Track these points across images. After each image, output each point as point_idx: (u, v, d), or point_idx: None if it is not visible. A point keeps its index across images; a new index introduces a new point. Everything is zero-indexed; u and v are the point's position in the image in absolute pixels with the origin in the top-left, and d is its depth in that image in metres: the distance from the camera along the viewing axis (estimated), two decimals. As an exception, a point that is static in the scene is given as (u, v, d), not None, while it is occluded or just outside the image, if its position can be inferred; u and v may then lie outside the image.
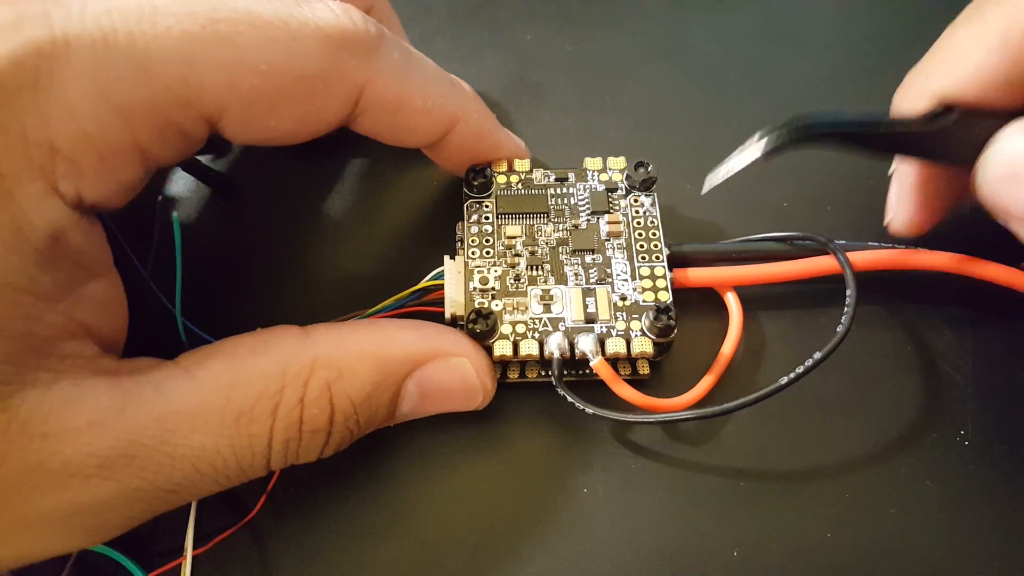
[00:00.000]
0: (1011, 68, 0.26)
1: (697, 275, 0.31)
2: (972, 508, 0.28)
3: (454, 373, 0.26)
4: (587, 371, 0.28)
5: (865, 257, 0.30)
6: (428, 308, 0.30)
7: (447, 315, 0.29)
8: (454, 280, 0.29)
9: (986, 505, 0.28)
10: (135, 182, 0.24)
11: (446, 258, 0.30)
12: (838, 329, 0.28)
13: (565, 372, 0.29)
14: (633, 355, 0.28)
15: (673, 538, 0.28)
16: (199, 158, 0.35)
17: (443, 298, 0.29)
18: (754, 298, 0.31)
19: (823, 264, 0.30)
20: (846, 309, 0.28)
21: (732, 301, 0.31)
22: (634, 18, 0.38)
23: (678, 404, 0.28)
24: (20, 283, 0.21)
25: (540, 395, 0.30)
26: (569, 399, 0.28)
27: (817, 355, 0.27)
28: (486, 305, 0.28)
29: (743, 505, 0.28)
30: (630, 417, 0.28)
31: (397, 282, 0.30)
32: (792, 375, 0.27)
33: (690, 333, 0.30)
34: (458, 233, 0.31)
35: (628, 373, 0.29)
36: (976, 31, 0.27)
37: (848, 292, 0.28)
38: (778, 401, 0.29)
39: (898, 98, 0.29)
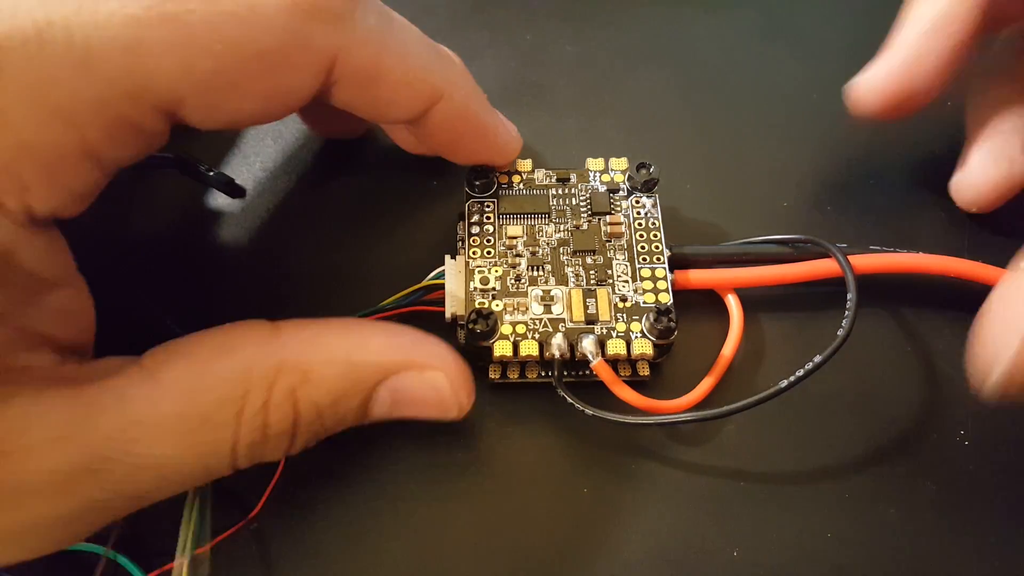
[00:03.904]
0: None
1: (698, 277, 0.31)
2: (972, 508, 0.28)
3: (428, 386, 0.25)
4: (587, 372, 0.28)
5: (866, 261, 0.30)
6: (429, 308, 0.30)
7: (447, 315, 0.29)
8: (455, 279, 0.29)
9: (986, 505, 0.28)
10: (90, 188, 0.22)
11: (447, 257, 0.30)
12: (839, 332, 0.28)
13: (565, 373, 0.29)
14: (633, 356, 0.28)
15: (673, 538, 0.28)
16: (201, 166, 0.35)
17: (443, 297, 0.29)
18: (755, 300, 0.31)
19: (824, 267, 0.30)
20: (847, 313, 0.28)
21: (733, 303, 0.31)
22: (634, 18, 0.38)
23: (678, 406, 0.28)
24: None
25: (540, 395, 0.29)
26: (569, 400, 0.28)
27: (817, 358, 0.27)
28: (486, 305, 0.28)
29: (743, 505, 0.28)
30: (630, 419, 0.28)
31: (398, 281, 0.30)
32: (792, 378, 0.27)
33: (690, 335, 0.30)
34: (459, 232, 0.31)
35: (628, 374, 0.29)
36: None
37: (849, 296, 0.28)
38: (778, 401, 0.29)
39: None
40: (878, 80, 0.30)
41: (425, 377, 0.25)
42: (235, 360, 0.23)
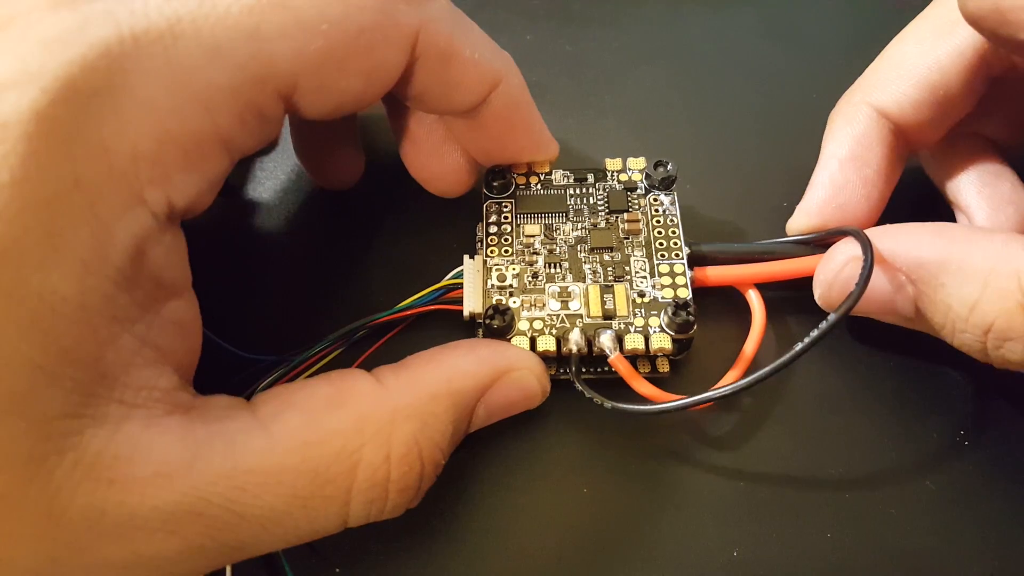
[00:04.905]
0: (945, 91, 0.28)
1: (717, 274, 0.30)
2: (972, 508, 0.28)
3: (517, 387, 0.27)
4: (604, 368, 0.28)
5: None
6: (447, 307, 0.30)
7: (465, 313, 0.29)
8: (473, 279, 0.29)
9: (986, 505, 0.28)
10: (220, 176, 0.23)
11: (466, 257, 0.30)
12: (852, 292, 0.26)
13: (583, 369, 0.29)
14: (652, 352, 0.28)
15: (673, 537, 0.28)
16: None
17: (462, 297, 0.29)
18: (776, 297, 0.31)
19: None
20: (862, 270, 0.26)
21: (754, 298, 0.30)
22: (633, 18, 0.38)
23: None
24: (95, 304, 0.19)
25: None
26: (587, 395, 0.28)
27: (832, 316, 0.26)
28: (503, 301, 0.28)
29: (743, 505, 0.28)
30: (649, 408, 0.27)
31: (418, 281, 0.30)
32: (807, 340, 0.26)
33: (711, 333, 0.30)
34: (478, 234, 0.31)
35: (648, 371, 0.29)
36: (921, 49, 0.29)
37: (864, 259, 0.26)
38: (778, 401, 0.29)
39: (837, 115, 0.31)
40: (810, 219, 0.30)
41: (513, 380, 0.26)
42: (348, 412, 0.23)
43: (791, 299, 0.32)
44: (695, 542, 0.28)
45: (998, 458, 0.29)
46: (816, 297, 0.29)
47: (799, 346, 0.26)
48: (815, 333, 0.26)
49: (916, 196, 0.32)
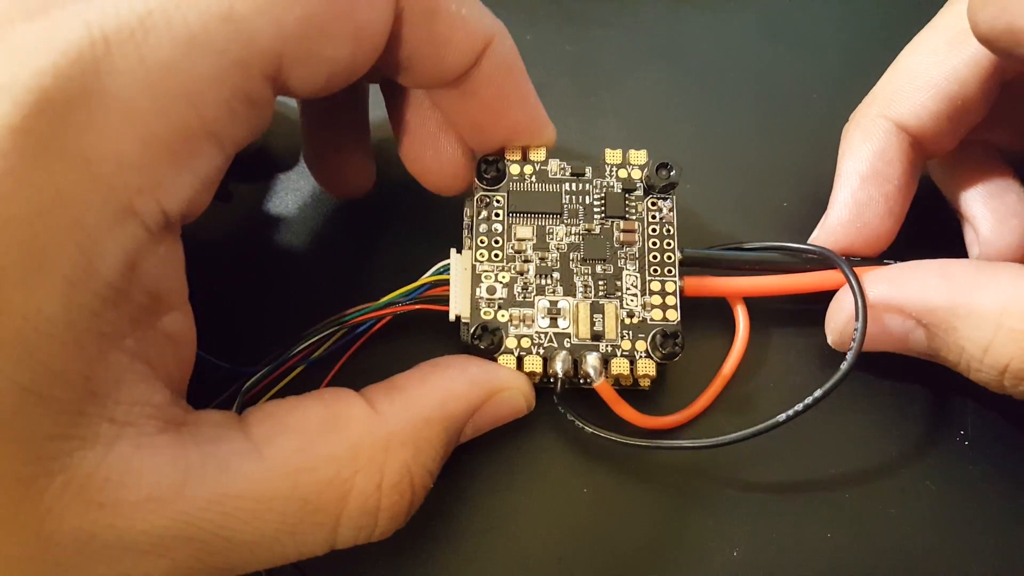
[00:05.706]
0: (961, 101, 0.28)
1: (708, 285, 0.30)
2: (972, 508, 0.28)
3: (505, 405, 0.27)
4: (591, 381, 0.28)
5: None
6: (432, 307, 0.29)
7: (451, 316, 0.28)
8: (460, 278, 0.28)
9: (986, 505, 0.28)
10: (215, 173, 0.22)
11: (452, 251, 0.29)
12: (842, 366, 0.27)
13: (570, 379, 0.28)
14: (636, 376, 0.28)
15: (673, 538, 0.28)
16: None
17: (446, 294, 0.28)
18: (764, 310, 0.31)
19: (836, 278, 0.29)
20: (852, 344, 0.27)
21: (741, 317, 0.30)
22: (634, 18, 0.38)
23: (674, 421, 0.29)
24: (83, 322, 0.19)
25: (540, 397, 0.29)
26: (570, 417, 0.28)
27: (818, 392, 0.26)
28: (492, 317, 0.27)
29: (743, 505, 0.29)
30: (628, 440, 0.28)
31: (401, 274, 0.29)
32: (791, 412, 0.26)
33: (696, 340, 0.30)
34: (465, 219, 0.29)
35: (629, 384, 0.29)
36: (933, 60, 0.29)
37: (856, 326, 0.27)
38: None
39: (854, 129, 0.30)
40: (835, 239, 0.30)
41: (503, 399, 0.26)
42: (342, 438, 0.23)
43: (780, 309, 0.32)
44: (695, 542, 0.28)
45: (998, 458, 0.29)
46: (829, 342, 0.30)
47: (782, 417, 0.26)
48: (799, 407, 0.26)
49: (919, 200, 0.32)
